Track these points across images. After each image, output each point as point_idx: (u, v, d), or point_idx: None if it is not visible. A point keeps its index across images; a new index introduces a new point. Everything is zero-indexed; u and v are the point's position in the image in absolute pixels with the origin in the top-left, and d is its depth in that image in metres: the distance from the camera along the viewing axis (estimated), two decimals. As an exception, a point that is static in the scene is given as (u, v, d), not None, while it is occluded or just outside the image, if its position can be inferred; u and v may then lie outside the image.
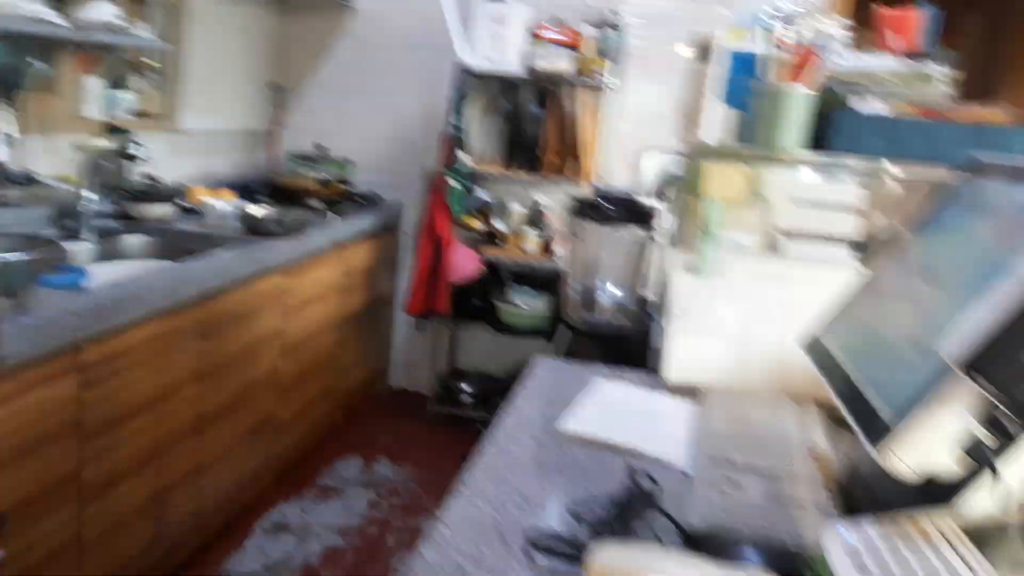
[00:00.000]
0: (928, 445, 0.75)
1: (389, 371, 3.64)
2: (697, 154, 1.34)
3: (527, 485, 0.97)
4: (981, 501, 0.73)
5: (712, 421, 1.14)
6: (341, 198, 3.23)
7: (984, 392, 0.71)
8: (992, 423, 0.73)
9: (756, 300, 1.30)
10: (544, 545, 0.81)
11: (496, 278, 3.24)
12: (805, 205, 1.31)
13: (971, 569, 0.66)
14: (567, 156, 3.15)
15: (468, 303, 3.24)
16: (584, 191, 3.00)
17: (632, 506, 0.91)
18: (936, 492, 0.77)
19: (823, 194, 1.32)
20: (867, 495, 0.92)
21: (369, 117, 3.49)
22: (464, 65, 3.05)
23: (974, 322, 0.72)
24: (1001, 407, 0.70)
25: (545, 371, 1.36)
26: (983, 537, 0.71)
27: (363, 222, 3.08)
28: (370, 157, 3.50)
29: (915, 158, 1.25)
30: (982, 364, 0.70)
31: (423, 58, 3.36)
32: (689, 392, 1.28)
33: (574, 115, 3.13)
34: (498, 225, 3.23)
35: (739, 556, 0.81)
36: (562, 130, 3.15)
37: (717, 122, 1.38)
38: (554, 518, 0.89)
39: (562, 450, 1.07)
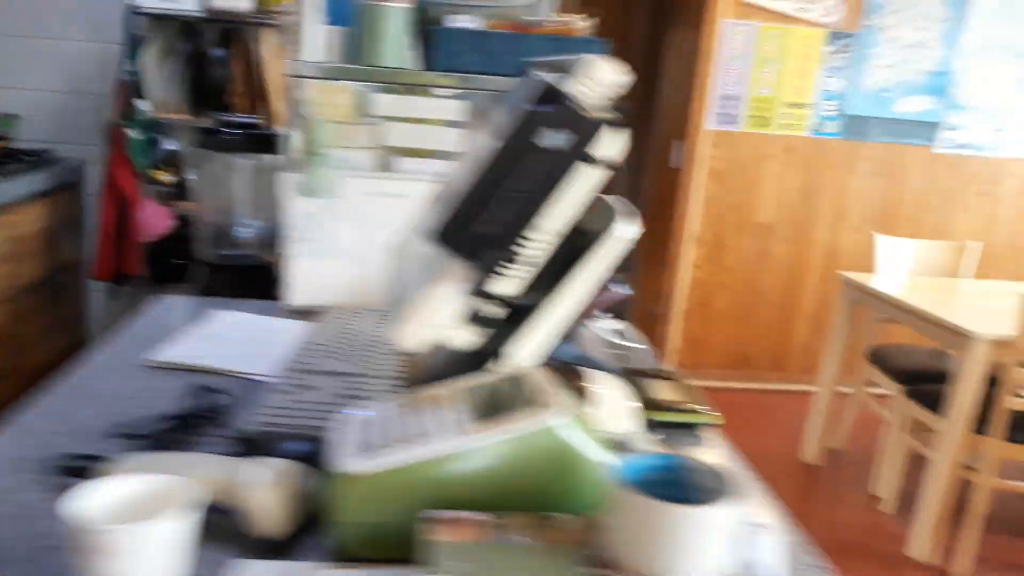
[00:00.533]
0: (434, 319, 0.81)
1: (91, 343, 3.36)
2: (300, 74, 1.33)
3: (89, 417, 0.92)
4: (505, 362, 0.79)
5: (314, 336, 1.15)
6: (2, 157, 2.89)
7: (461, 261, 0.77)
8: (480, 292, 0.79)
9: (371, 218, 1.33)
10: (71, 467, 0.78)
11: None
12: (410, 122, 1.35)
13: (453, 422, 0.71)
14: (256, 99, 3.03)
15: (167, 263, 3.05)
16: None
17: (189, 420, 0.90)
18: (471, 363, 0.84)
19: (426, 110, 1.36)
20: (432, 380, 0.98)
21: (36, 67, 3.13)
22: (134, 6, 2.81)
23: (443, 199, 0.78)
24: (478, 272, 0.77)
25: (161, 309, 1.31)
26: (479, 396, 0.78)
27: (31, 182, 2.78)
28: (41, 112, 3.15)
29: (506, 71, 1.33)
30: (449, 235, 0.75)
31: (92, 0, 3.06)
32: (309, 314, 1.28)
33: (259, 56, 3.01)
34: (191, 176, 3.05)
35: (283, 451, 0.83)
36: (248, 72, 3.02)
37: (321, 41, 1.37)
38: (94, 441, 0.86)
39: (147, 381, 1.03)
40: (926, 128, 3.74)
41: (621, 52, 5.14)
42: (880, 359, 2.96)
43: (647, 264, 4.19)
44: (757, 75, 3.62)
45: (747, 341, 3.94)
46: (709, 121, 3.64)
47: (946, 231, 3.90)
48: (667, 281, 3.84)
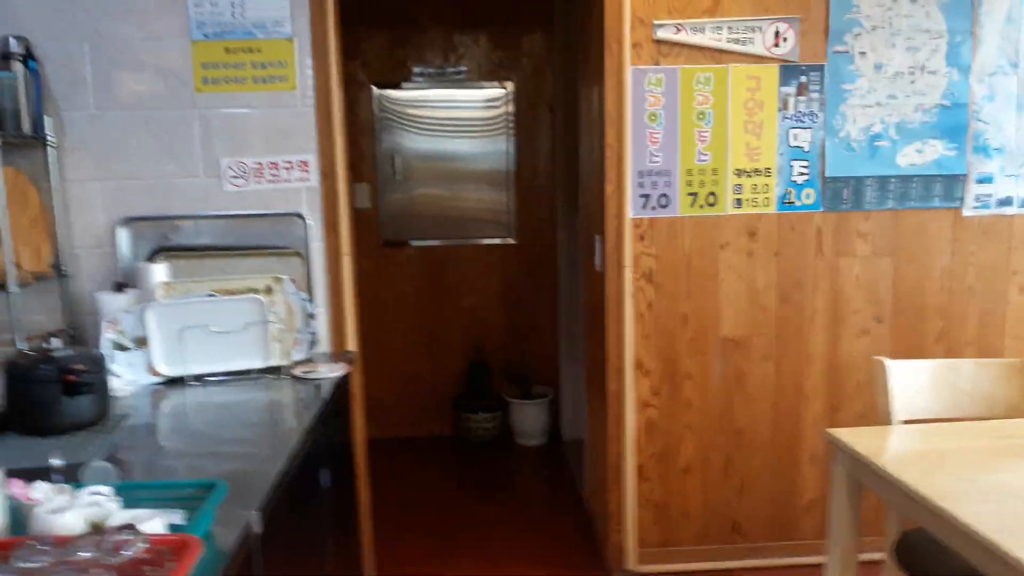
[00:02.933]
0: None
1: None
2: None
3: None
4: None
5: None
6: None
7: None
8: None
9: None
10: None
11: None
12: None
13: None
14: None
15: None
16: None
17: None
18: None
19: None
20: None
21: None
22: None
23: None
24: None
25: None
26: None
27: None
28: None
29: None
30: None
31: None
32: None
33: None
34: None
35: None
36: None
37: None
38: None
39: None
40: (948, 183, 2.63)
41: (535, 128, 4.17)
42: (909, 556, 1.80)
43: (594, 408, 3.09)
44: (689, 137, 2.58)
45: (732, 501, 2.78)
46: (631, 207, 2.60)
47: (996, 330, 2.72)
48: (609, 430, 2.72)
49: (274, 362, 2.31)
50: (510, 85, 4.19)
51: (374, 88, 4.16)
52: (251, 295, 2.30)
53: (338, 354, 2.56)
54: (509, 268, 4.32)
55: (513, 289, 4.34)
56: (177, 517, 1.26)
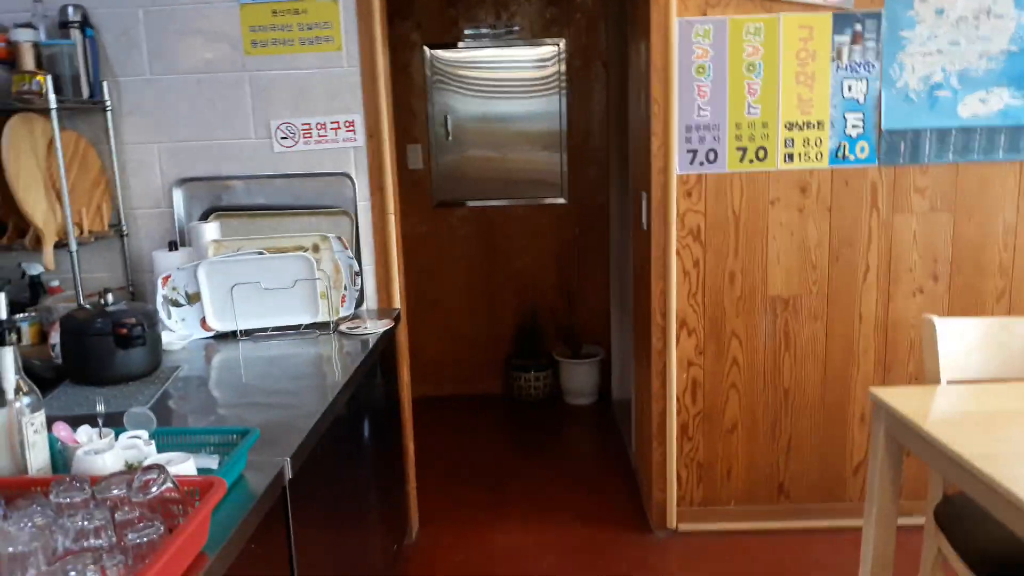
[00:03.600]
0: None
1: None
2: None
3: None
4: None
5: None
6: None
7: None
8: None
9: None
10: None
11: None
12: None
13: None
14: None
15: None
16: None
17: None
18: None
19: None
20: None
21: None
22: None
23: None
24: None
25: None
26: None
27: None
28: None
29: None
30: None
31: None
32: None
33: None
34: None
35: None
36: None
37: None
38: None
39: None
40: (1013, 135, 2.50)
41: (587, 86, 4.10)
42: (949, 521, 1.75)
43: (640, 366, 3.08)
44: (738, 90, 2.51)
45: (779, 462, 2.74)
46: (677, 162, 2.55)
47: (1062, 284, 2.60)
48: (653, 387, 2.71)
49: (321, 318, 2.36)
50: (563, 42, 4.13)
51: (426, 49, 4.15)
52: (299, 253, 2.35)
53: (384, 311, 2.61)
54: (561, 228, 4.30)
55: (565, 249, 4.32)
56: (212, 462, 1.32)
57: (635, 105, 2.98)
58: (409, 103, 4.20)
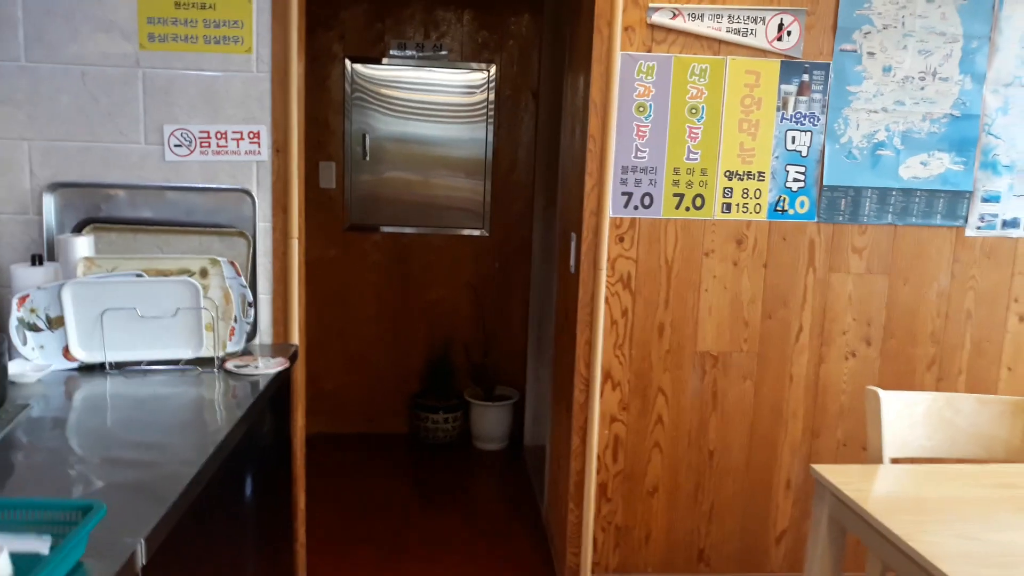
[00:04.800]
0: None
1: None
2: None
3: None
4: None
5: None
6: None
7: None
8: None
9: None
10: None
11: None
12: None
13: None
14: None
15: None
16: None
17: None
18: None
19: None
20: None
21: None
22: None
23: None
24: None
25: None
26: None
27: None
28: None
29: None
30: None
31: None
32: None
33: None
34: None
35: None
36: None
37: None
38: None
39: None
40: (952, 200, 2.47)
41: (516, 116, 3.98)
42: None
43: (558, 419, 2.91)
44: (679, 133, 2.40)
45: (700, 528, 2.61)
46: (611, 204, 2.41)
47: (992, 360, 2.57)
48: (572, 443, 2.54)
49: (206, 353, 2.10)
50: (493, 69, 3.99)
51: (348, 62, 3.94)
52: (184, 278, 2.09)
53: (280, 347, 2.36)
54: (481, 261, 4.13)
55: (483, 284, 4.14)
56: (43, 545, 1.06)
57: (568, 141, 2.84)
58: (326, 118, 3.97)
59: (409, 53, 3.97)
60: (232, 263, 2.18)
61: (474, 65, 3.97)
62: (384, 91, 3.96)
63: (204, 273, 2.14)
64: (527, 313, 4.09)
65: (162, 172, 2.30)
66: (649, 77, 2.38)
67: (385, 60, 3.94)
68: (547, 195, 3.74)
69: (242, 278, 2.19)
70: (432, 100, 3.98)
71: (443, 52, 3.98)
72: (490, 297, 4.15)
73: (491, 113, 4.01)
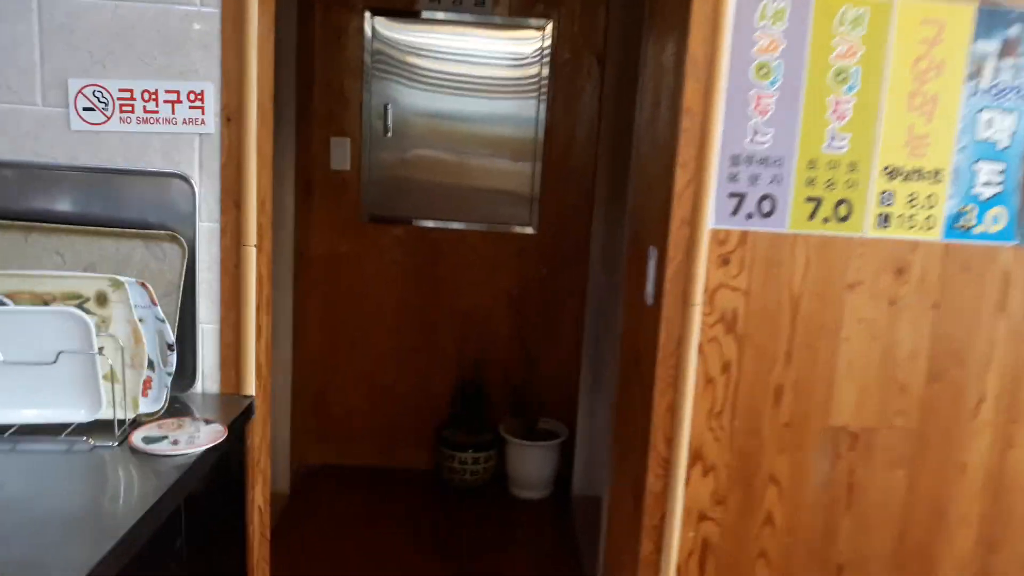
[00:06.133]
0: None
1: None
2: None
3: None
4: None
5: None
6: None
7: None
8: None
9: None
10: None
11: None
12: None
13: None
14: None
15: None
16: None
17: None
18: None
19: None
20: None
21: None
22: None
23: None
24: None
25: None
26: None
27: None
28: None
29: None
30: None
31: None
32: None
33: None
34: None
35: None
36: None
37: None
38: None
39: None
40: None
41: (573, 91, 3.24)
42: None
43: (618, 507, 2.20)
44: (818, 109, 1.64)
45: (817, 672, 1.86)
46: (714, 210, 1.67)
47: None
48: (642, 549, 1.82)
49: (106, 414, 1.44)
50: (548, 27, 3.25)
51: (369, 16, 3.24)
52: (68, 308, 1.42)
53: (228, 400, 1.68)
54: (525, 265, 3.42)
55: (527, 292, 3.43)
56: None
57: (648, 117, 2.09)
58: (340, 83, 3.29)
59: (445, 5, 3.25)
60: (144, 285, 1.50)
61: (525, 22, 3.24)
62: (413, 54, 3.26)
63: (102, 300, 1.47)
64: (581, 332, 3.36)
65: (67, 146, 1.63)
66: (777, 24, 1.62)
67: (413, 15, 3.23)
68: (612, 185, 3.01)
69: (158, 308, 1.51)
70: (472, 68, 3.27)
71: (486, 5, 3.25)
72: (535, 309, 3.44)
73: (544, 82, 3.28)
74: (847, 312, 1.72)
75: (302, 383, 3.30)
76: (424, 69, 3.27)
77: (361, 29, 3.25)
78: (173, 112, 1.62)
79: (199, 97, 1.62)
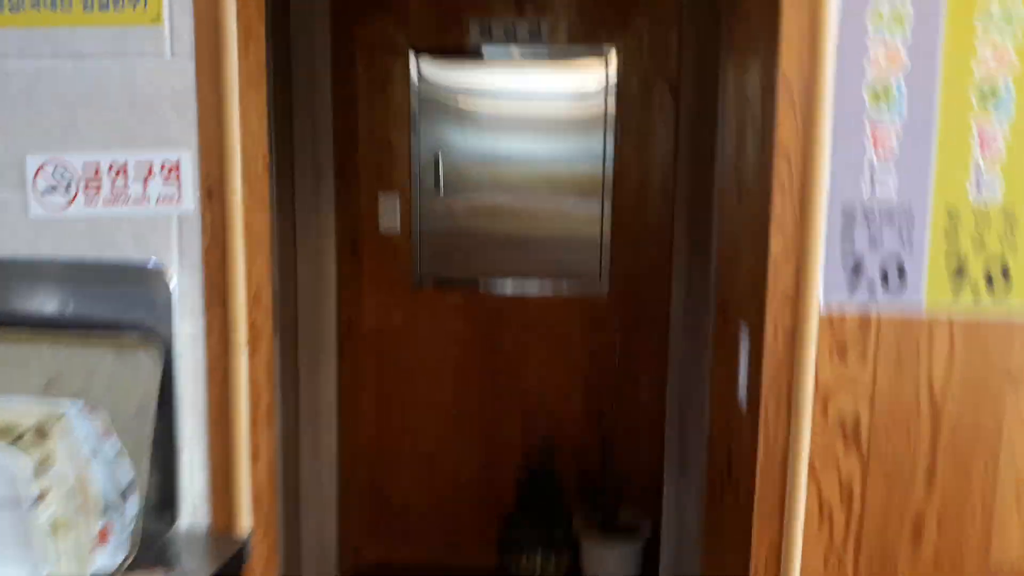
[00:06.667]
0: None
1: None
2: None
3: None
4: None
5: None
6: None
7: None
8: None
9: None
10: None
11: None
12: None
13: None
14: None
15: None
16: None
17: None
18: None
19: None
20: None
21: None
22: None
23: None
24: None
25: None
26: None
27: None
28: None
29: None
30: None
31: None
32: None
33: None
34: None
35: None
36: None
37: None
38: None
39: None
40: None
41: (644, 126, 2.92)
42: None
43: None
44: (957, 141, 1.27)
45: None
46: (823, 285, 1.30)
47: None
48: None
49: (54, 574, 1.18)
50: (612, 54, 2.95)
51: (414, 57, 3.02)
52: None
53: (218, 542, 1.39)
54: (597, 332, 3.09)
55: (601, 364, 3.10)
56: None
57: (731, 160, 1.75)
58: (386, 135, 3.07)
59: (496, 34, 3.00)
60: (93, 412, 1.23)
61: (586, 49, 2.96)
62: (464, 95, 3.02)
63: (43, 433, 1.20)
64: (662, 408, 2.98)
65: (26, 237, 1.40)
66: (897, 31, 1.27)
67: (463, 50, 3.00)
68: (694, 235, 2.66)
69: (114, 438, 1.24)
70: (529, 106, 3.00)
71: (543, 30, 2.98)
72: (609, 383, 3.10)
73: (610, 116, 2.98)
74: (1009, 414, 1.32)
75: (351, 472, 3.04)
76: (477, 112, 3.03)
77: (407, 73, 3.03)
78: (145, 189, 1.38)
79: (174, 169, 1.37)
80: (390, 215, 3.10)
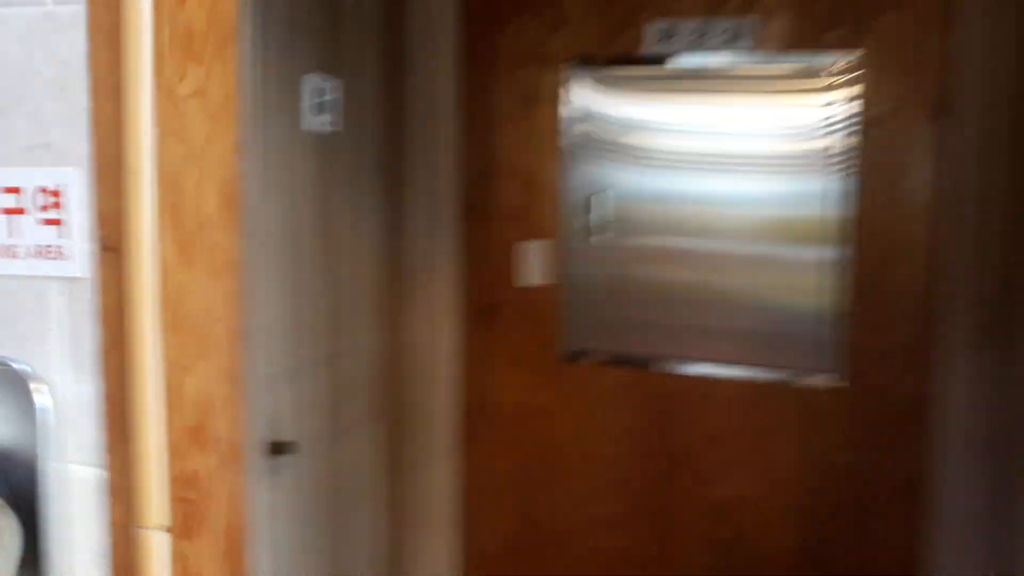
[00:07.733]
0: None
1: None
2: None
3: None
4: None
5: None
6: None
7: None
8: None
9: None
10: None
11: None
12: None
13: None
14: None
15: None
16: None
17: None
18: None
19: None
20: None
21: None
22: None
23: None
24: None
25: None
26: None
27: None
28: None
29: None
30: None
31: None
32: None
33: None
34: None
35: None
36: None
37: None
38: None
39: None
40: None
41: (896, 154, 2.14)
42: None
43: None
44: None
45: None
46: None
47: None
48: None
49: None
50: (851, 65, 2.22)
51: (570, 71, 2.44)
52: None
53: None
54: (821, 434, 2.33)
55: (823, 482, 2.31)
56: None
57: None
58: (529, 168, 2.50)
59: (681, 37, 2.34)
60: None
61: (811, 60, 2.24)
62: (634, 124, 2.40)
63: None
64: (914, 552, 2.14)
65: None
66: None
67: (636, 62, 2.38)
68: (977, 314, 1.85)
69: None
70: (727, 142, 2.33)
71: (748, 33, 2.30)
72: (831, 510, 2.30)
73: (846, 146, 2.23)
74: None
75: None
76: (654, 140, 2.39)
77: (556, 90, 2.44)
78: (10, 235, 0.81)
79: (54, 200, 0.80)
80: (531, 269, 2.53)
